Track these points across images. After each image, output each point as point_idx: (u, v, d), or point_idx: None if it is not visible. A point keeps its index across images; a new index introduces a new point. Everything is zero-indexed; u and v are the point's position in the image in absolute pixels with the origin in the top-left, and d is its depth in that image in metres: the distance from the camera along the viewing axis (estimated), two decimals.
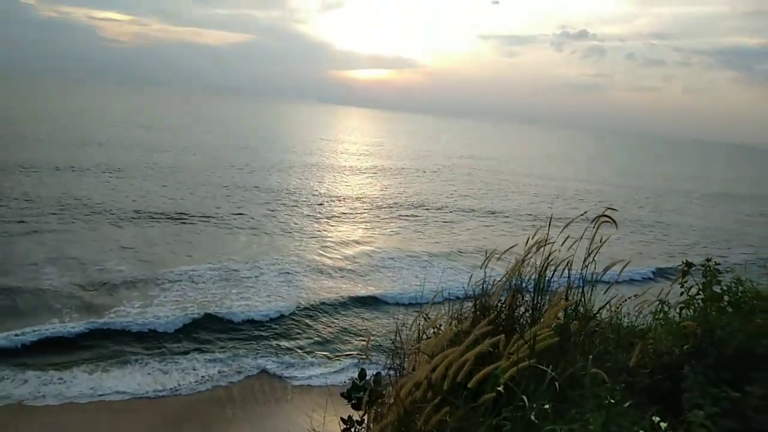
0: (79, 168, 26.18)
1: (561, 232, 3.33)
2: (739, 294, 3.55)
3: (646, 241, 23.86)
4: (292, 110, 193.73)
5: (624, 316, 3.91)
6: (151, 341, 10.31)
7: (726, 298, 3.52)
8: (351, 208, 24.93)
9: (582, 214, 3.28)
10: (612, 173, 57.17)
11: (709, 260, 3.59)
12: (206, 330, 10.91)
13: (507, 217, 26.43)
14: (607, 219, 3.25)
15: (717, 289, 3.56)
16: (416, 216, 24.53)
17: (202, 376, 9.40)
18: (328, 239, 18.84)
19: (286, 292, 13.28)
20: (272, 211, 22.30)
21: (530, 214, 26.83)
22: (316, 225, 20.85)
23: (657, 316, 3.54)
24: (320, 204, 25.10)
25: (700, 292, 3.51)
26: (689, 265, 3.60)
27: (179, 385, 9.07)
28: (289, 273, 14.67)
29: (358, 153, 55.16)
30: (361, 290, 13.94)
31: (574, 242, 3.55)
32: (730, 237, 26.55)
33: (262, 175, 31.66)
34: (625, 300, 3.69)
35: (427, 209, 26.30)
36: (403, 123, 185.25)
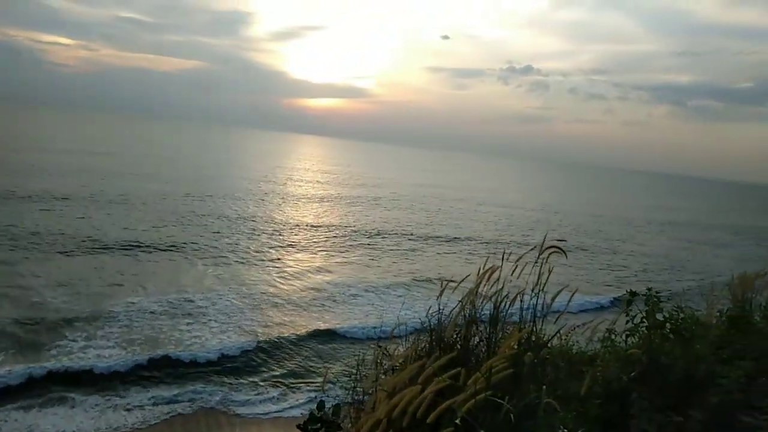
0: (23, 195, 25.03)
1: (514, 264, 3.44)
2: (680, 321, 3.75)
3: (596, 269, 24.63)
4: (246, 137, 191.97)
5: (574, 344, 4.05)
6: (94, 378, 9.80)
7: (668, 325, 3.71)
8: (308, 237, 24.76)
9: (532, 249, 3.40)
10: (560, 202, 59.13)
11: (650, 289, 3.79)
12: (154, 365, 10.45)
13: (463, 244, 26.83)
14: (557, 249, 3.38)
15: (659, 316, 3.75)
16: (374, 244, 24.56)
17: (149, 412, 9.01)
18: (286, 269, 18.59)
19: (240, 324, 12.93)
20: (228, 239, 21.88)
21: (486, 242, 27.36)
22: (272, 254, 20.56)
23: (605, 344, 3.69)
24: (277, 232, 24.82)
25: (644, 320, 3.69)
26: (633, 294, 3.79)
27: (124, 423, 8.66)
28: (244, 305, 14.31)
29: (313, 181, 55.07)
30: (320, 323, 13.71)
31: (527, 267, 3.67)
32: (674, 264, 27.74)
33: (216, 202, 31.11)
34: (575, 328, 3.83)
35: (385, 237, 26.39)
36: (357, 151, 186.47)
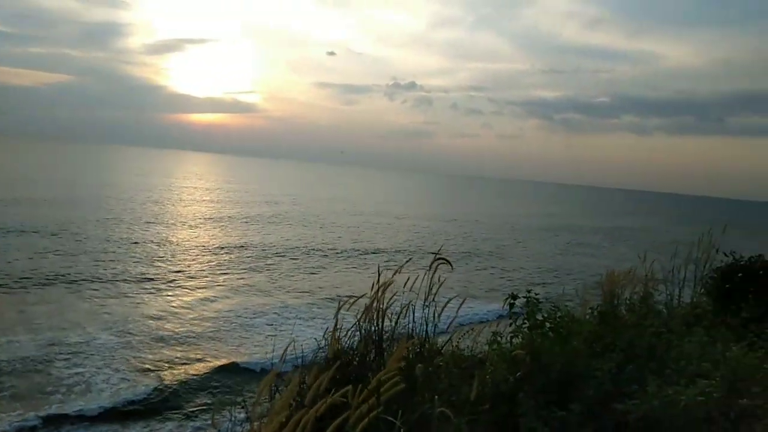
0: None
1: (407, 276, 3.53)
2: (558, 320, 4.04)
3: (490, 275, 25.82)
4: (124, 155, 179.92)
5: (465, 349, 4.23)
6: None
7: (547, 324, 3.98)
8: (205, 261, 23.57)
9: (407, 261, 3.50)
10: (451, 211, 61.75)
11: (530, 292, 4.06)
12: (30, 420, 9.25)
13: (366, 258, 26.96)
14: (444, 261, 3.52)
15: (540, 317, 4.03)
16: (275, 264, 23.90)
17: None
18: (181, 297, 17.46)
19: (131, 364, 11.65)
20: (114, 268, 20.21)
21: (387, 254, 27.76)
22: (165, 281, 19.29)
23: (492, 347, 3.88)
24: (170, 257, 23.39)
25: (526, 321, 3.94)
26: (514, 297, 4.04)
27: None
28: (135, 341, 12.98)
29: (204, 200, 52.82)
30: (220, 354, 12.73)
31: (426, 277, 3.76)
32: (557, 267, 29.77)
33: (98, 227, 28.72)
34: (464, 334, 4.00)
35: (286, 256, 25.85)
36: (247, 167, 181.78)
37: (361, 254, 27.93)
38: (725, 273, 5.84)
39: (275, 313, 16.53)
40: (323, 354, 3.20)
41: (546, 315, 3.95)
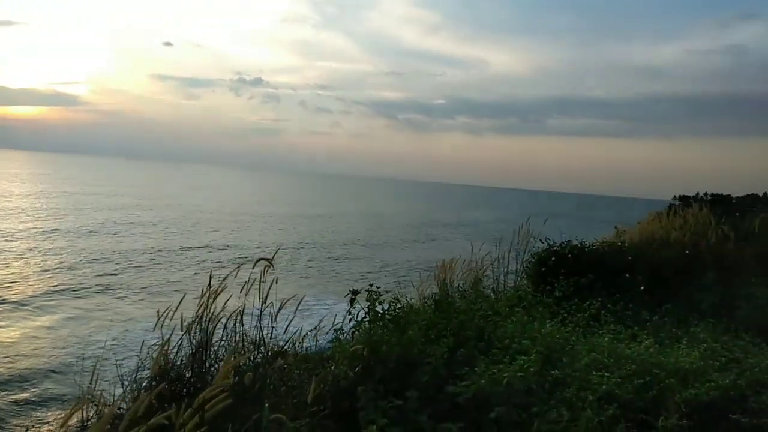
0: None
1: (229, 276, 3.37)
2: (396, 311, 4.17)
3: (349, 272, 26.01)
4: None
5: (310, 348, 4.18)
6: None
7: (387, 316, 4.09)
8: (36, 281, 20.12)
9: (237, 268, 3.37)
10: (310, 210, 61.61)
11: (371, 285, 4.14)
12: None
13: (227, 264, 25.51)
14: (268, 262, 3.44)
15: (380, 309, 4.13)
16: (117, 281, 21.34)
17: None
18: (8, 329, 14.66)
19: None
20: None
21: (257, 249, 26.62)
22: None
23: (334, 344, 3.89)
24: None
25: (367, 315, 4.01)
26: (355, 292, 4.09)
27: None
28: None
29: (30, 208, 46.09)
30: (50, 392, 10.80)
31: (263, 278, 3.61)
32: (412, 260, 30.86)
33: None
34: (307, 333, 3.95)
35: (130, 269, 23.36)
36: (77, 167, 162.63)
37: (219, 259, 26.42)
38: (541, 258, 6.55)
39: (121, 332, 14.73)
40: (146, 372, 2.92)
41: (386, 307, 4.05)
